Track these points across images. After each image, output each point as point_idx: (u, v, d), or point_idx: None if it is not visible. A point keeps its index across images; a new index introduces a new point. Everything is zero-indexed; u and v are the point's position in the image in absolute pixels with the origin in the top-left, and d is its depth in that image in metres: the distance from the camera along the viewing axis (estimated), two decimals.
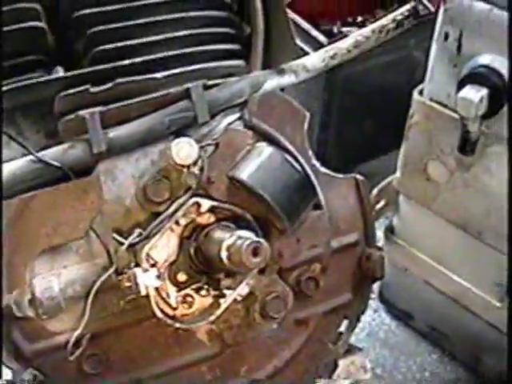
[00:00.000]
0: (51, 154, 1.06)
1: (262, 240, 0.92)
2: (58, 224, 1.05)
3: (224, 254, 0.94)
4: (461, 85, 1.21)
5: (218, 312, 1.06)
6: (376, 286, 1.76)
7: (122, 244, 1.04)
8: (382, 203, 1.55)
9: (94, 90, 1.07)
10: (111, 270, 1.04)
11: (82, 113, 1.05)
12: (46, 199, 1.05)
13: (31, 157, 1.05)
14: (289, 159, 1.07)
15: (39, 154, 1.05)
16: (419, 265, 1.55)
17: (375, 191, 1.52)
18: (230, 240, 0.94)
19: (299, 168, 1.07)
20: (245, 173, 1.06)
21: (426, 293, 1.58)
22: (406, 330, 1.70)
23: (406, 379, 1.60)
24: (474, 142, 1.25)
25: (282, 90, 1.22)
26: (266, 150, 1.08)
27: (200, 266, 1.05)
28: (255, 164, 1.06)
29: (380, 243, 1.71)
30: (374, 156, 2.08)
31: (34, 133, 1.13)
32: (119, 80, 1.07)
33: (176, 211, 1.04)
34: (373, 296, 1.77)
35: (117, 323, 1.09)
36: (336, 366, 1.24)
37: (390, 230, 1.59)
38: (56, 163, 1.05)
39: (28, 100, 1.08)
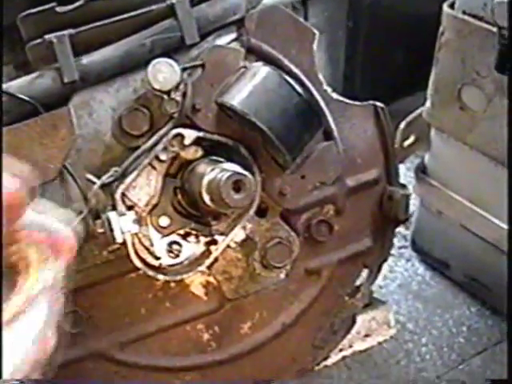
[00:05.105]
0: (16, 85, 0.94)
1: (245, 172, 0.76)
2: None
3: (205, 191, 0.79)
4: None
5: (208, 261, 0.92)
6: (409, 233, 1.60)
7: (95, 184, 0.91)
8: (411, 139, 1.37)
9: (61, 9, 0.93)
10: (83, 215, 0.90)
11: (48, 36, 0.92)
12: (11, 137, 0.92)
13: None
14: (289, 81, 0.90)
15: (3, 86, 0.93)
16: (455, 207, 1.37)
17: (403, 125, 1.34)
18: (212, 174, 0.79)
19: (301, 91, 0.90)
20: (236, 98, 0.90)
21: (463, 239, 1.41)
22: (441, 280, 1.53)
23: (441, 335, 1.44)
24: None
25: None
26: (261, 70, 0.92)
27: (185, 208, 0.91)
28: (248, 87, 0.90)
29: (411, 185, 1.55)
30: (408, 92, 1.88)
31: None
32: None
33: (155, 144, 0.90)
34: (406, 244, 1.61)
35: (99, 276, 0.98)
36: (354, 321, 1.09)
37: (421, 170, 1.41)
38: (22, 96, 0.92)
39: None
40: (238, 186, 0.75)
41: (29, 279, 0.63)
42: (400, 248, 1.61)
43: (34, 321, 0.63)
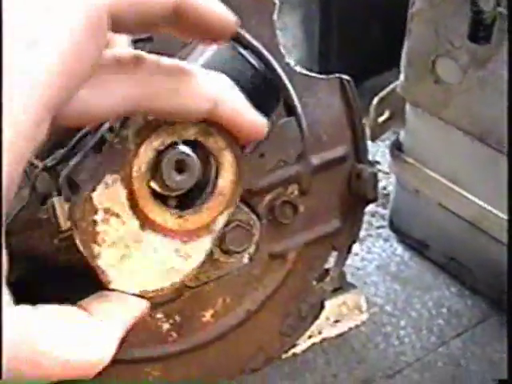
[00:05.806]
0: None
1: (188, 152, 0.70)
2: None
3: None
4: None
5: None
6: (387, 213, 1.55)
7: (37, 168, 0.85)
8: (386, 114, 1.32)
9: None
10: (26, 201, 0.85)
11: None
12: None
13: None
14: (243, 53, 0.84)
15: None
16: (432, 185, 1.33)
17: (376, 100, 1.28)
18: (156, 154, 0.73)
19: (257, 64, 0.84)
20: None
21: (441, 218, 1.36)
22: (420, 261, 1.48)
23: (420, 317, 1.40)
24: (489, 26, 1.00)
25: None
26: None
27: None
28: (199, 61, 0.84)
29: (386, 163, 1.50)
30: (386, 67, 1.82)
31: None
32: None
33: (101, 125, 0.84)
34: (384, 223, 1.56)
35: (50, 265, 0.92)
36: (323, 307, 1.04)
37: (396, 147, 1.36)
38: None
39: None
40: (180, 166, 0.70)
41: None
42: (378, 228, 1.56)
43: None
